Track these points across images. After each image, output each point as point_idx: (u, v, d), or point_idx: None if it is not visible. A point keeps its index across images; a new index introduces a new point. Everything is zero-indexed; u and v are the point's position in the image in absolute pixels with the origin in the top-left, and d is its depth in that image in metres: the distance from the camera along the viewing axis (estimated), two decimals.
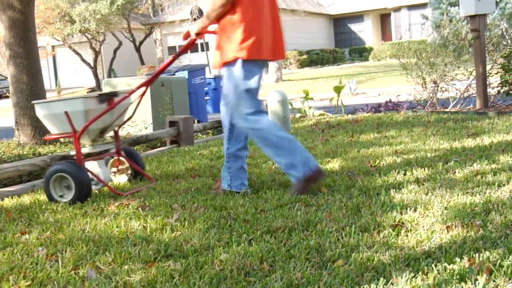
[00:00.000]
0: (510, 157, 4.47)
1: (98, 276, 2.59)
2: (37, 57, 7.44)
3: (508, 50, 8.61)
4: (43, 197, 4.48)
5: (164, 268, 2.61)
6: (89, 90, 30.56)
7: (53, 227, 3.46)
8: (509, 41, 9.28)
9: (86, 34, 28.35)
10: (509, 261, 2.34)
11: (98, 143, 4.78)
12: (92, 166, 4.56)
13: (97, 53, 30.03)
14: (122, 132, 8.12)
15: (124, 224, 3.39)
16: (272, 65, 24.08)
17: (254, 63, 3.98)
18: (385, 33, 37.10)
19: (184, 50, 4.27)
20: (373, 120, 7.90)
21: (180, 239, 3.02)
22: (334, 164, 4.78)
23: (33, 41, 7.37)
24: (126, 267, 2.67)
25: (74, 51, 29.36)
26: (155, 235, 3.14)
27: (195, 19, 21.78)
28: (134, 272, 2.58)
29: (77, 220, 3.58)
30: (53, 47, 33.63)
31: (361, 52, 35.00)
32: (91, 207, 3.95)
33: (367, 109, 9.63)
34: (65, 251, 2.96)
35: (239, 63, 3.90)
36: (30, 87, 7.22)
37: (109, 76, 29.49)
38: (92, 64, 30.04)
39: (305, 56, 31.70)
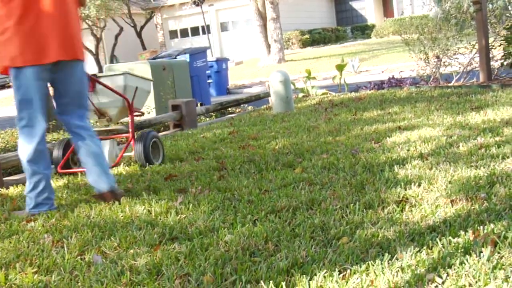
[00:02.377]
0: None
1: (104, 260, 2.59)
2: None
3: (511, 21, 8.54)
4: None
5: (169, 251, 2.61)
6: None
7: (58, 214, 3.47)
8: (511, 13, 9.19)
9: (87, 20, 28.22)
10: None
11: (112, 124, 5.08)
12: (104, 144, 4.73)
13: (98, 40, 29.89)
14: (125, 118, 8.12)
15: (129, 208, 3.39)
16: (274, 46, 23.98)
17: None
18: (387, 10, 36.82)
19: None
20: (376, 97, 7.88)
21: (185, 221, 3.03)
22: (337, 142, 4.77)
23: None
24: (131, 251, 2.67)
25: None
26: (160, 219, 3.14)
27: (195, 2, 21.66)
28: (140, 255, 2.59)
29: (82, 206, 3.59)
30: None
31: (363, 30, 34.77)
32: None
33: (370, 86, 9.59)
34: (71, 237, 2.97)
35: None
36: None
37: (111, 62, 29.41)
38: (94, 51, 29.92)
39: (307, 36, 31.51)
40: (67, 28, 3.79)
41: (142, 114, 5.33)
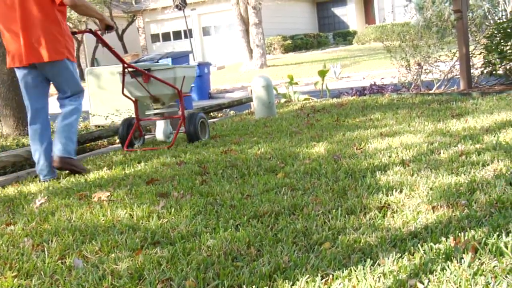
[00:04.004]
0: (494, 136, 4.50)
1: (85, 265, 2.57)
2: None
3: (490, 30, 8.64)
4: (27, 188, 4.45)
5: (151, 255, 2.60)
6: None
7: (38, 217, 3.44)
8: (491, 22, 9.31)
9: (68, 23, 28.03)
10: (494, 239, 2.36)
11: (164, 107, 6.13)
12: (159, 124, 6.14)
13: (79, 43, 29.75)
14: (107, 121, 8.08)
15: (110, 212, 3.37)
16: (256, 51, 24.03)
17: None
18: (369, 17, 37.08)
19: None
20: (358, 103, 7.92)
21: (167, 226, 3.02)
22: (319, 148, 4.79)
23: None
24: (113, 255, 2.66)
25: None
26: (142, 223, 3.13)
27: (177, 6, 21.63)
28: (121, 260, 2.57)
29: (63, 210, 3.56)
30: None
31: (345, 36, 34.97)
32: (76, 195, 3.93)
33: (352, 92, 9.64)
34: (51, 241, 2.95)
35: None
36: (11, 77, 7.13)
37: (92, 65, 29.26)
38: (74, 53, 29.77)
39: (289, 41, 31.62)
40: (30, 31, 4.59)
41: (189, 95, 6.69)
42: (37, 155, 4.73)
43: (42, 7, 4.56)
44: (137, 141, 6.24)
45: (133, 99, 6.09)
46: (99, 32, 5.23)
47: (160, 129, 6.17)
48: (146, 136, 6.59)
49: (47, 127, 4.83)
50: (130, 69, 5.84)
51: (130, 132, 5.99)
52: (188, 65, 6.35)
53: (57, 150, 4.70)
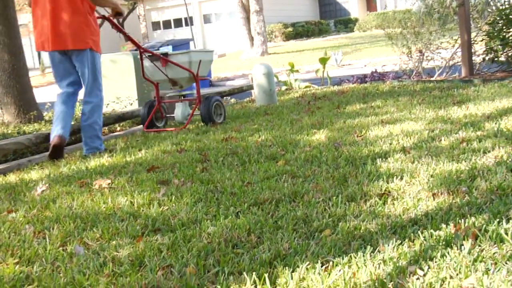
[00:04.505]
0: (495, 123, 4.49)
1: (86, 252, 2.58)
2: (18, 35, 7.33)
3: (492, 17, 8.60)
4: (28, 175, 4.46)
5: (152, 242, 2.61)
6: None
7: (40, 204, 3.45)
8: (493, 8, 9.26)
9: None
10: (494, 226, 2.36)
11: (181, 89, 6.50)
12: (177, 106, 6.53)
13: None
14: (107, 109, 8.08)
15: (111, 200, 3.37)
16: (257, 39, 23.96)
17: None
18: (370, 4, 36.94)
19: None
20: (359, 91, 7.91)
21: (168, 213, 3.02)
22: (320, 135, 4.78)
23: (13, 19, 7.25)
24: (114, 242, 2.66)
25: None
26: (143, 210, 3.13)
27: None
28: (122, 247, 2.58)
29: (64, 197, 3.57)
30: None
31: (346, 24, 34.87)
32: (77, 182, 3.93)
33: (353, 80, 9.63)
34: (53, 228, 2.95)
35: None
36: (12, 65, 7.13)
37: None
38: None
39: (290, 29, 31.53)
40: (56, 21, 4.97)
41: (207, 78, 6.58)
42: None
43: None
44: (158, 122, 6.62)
45: (154, 82, 6.39)
46: (112, 19, 5.60)
47: (179, 111, 6.54)
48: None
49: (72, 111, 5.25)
50: (147, 54, 6.20)
51: (151, 114, 6.36)
52: (205, 49, 6.63)
53: (85, 150, 5.22)
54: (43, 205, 3.44)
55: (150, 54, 6.16)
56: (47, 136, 5.46)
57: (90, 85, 5.19)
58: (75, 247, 2.64)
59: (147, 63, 6.27)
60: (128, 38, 5.73)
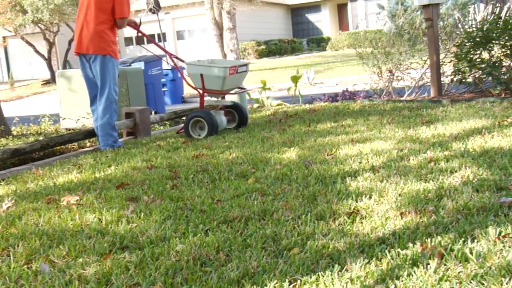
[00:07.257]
0: (462, 144, 4.56)
1: (51, 269, 2.54)
2: None
3: (460, 39, 8.77)
4: None
5: (119, 260, 2.58)
6: (44, 82, 29.92)
7: (5, 221, 3.39)
8: (461, 30, 9.45)
9: (39, 24, 27.66)
10: (460, 245, 2.40)
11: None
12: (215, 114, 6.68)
13: (51, 45, 29.39)
14: (77, 124, 8.00)
15: (79, 217, 3.33)
16: (230, 56, 24.03)
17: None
18: (342, 23, 37.38)
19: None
20: (330, 109, 7.97)
21: (136, 230, 3.00)
22: (291, 154, 4.80)
23: None
24: (80, 260, 2.63)
25: (27, 42, 28.59)
26: (111, 227, 3.10)
27: (151, 9, 21.51)
28: (89, 264, 2.55)
29: (30, 213, 3.51)
30: (4, 38, 32.70)
31: (319, 42, 35.19)
32: (45, 199, 3.88)
33: (325, 98, 9.69)
34: (18, 246, 2.90)
35: None
36: None
37: (64, 67, 28.94)
38: (46, 55, 29.38)
39: (263, 47, 31.71)
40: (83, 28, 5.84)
41: (220, 92, 6.70)
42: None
43: (102, 12, 5.77)
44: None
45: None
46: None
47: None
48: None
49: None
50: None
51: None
52: (206, 65, 6.74)
53: (101, 146, 6.09)
54: (9, 221, 3.39)
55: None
56: (14, 152, 5.38)
57: (105, 86, 5.88)
58: (40, 265, 2.60)
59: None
60: (156, 45, 6.82)
